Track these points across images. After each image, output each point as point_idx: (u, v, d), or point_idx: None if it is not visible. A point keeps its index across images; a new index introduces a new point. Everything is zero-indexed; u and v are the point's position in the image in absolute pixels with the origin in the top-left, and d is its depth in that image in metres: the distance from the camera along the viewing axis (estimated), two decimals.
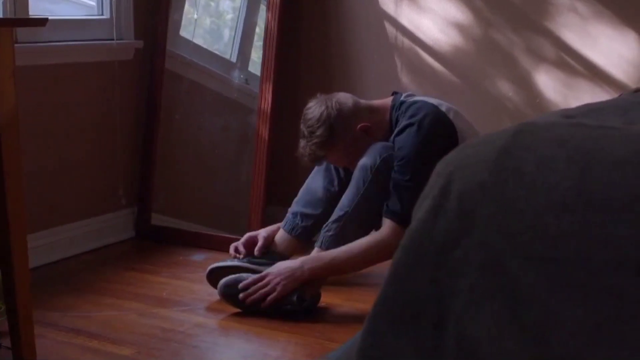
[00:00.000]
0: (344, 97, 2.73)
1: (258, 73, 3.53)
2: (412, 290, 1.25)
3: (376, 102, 2.77)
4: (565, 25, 2.91)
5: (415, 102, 2.67)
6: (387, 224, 2.57)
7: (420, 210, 1.30)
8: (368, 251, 2.57)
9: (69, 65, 3.12)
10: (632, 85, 2.79)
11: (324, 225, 2.66)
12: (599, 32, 2.86)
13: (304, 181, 2.95)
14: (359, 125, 2.68)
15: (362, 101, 2.75)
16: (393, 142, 2.65)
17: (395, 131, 2.63)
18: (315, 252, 2.64)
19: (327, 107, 2.68)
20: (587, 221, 1.16)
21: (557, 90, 2.95)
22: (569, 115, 1.59)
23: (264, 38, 3.25)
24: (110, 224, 3.34)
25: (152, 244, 3.36)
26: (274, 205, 3.31)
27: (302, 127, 2.72)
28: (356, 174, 2.64)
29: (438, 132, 2.60)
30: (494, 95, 3.05)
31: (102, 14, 3.28)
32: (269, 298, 2.53)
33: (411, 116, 2.60)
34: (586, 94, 2.89)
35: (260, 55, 3.52)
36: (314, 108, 2.71)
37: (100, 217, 3.31)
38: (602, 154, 1.20)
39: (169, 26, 3.44)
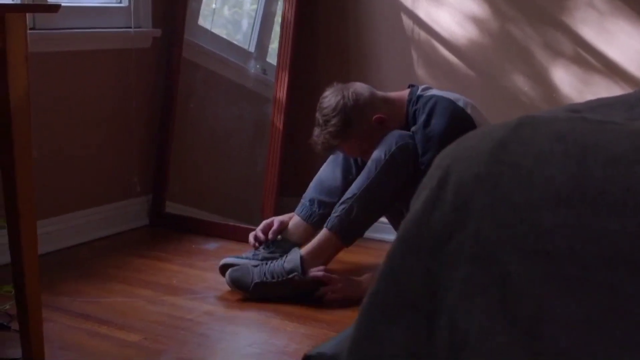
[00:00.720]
0: (361, 88, 2.72)
1: (275, 63, 3.54)
2: (406, 281, 1.25)
3: (392, 94, 2.76)
4: (582, 21, 2.88)
5: (432, 97, 2.66)
6: None
7: (418, 201, 1.30)
8: None
9: (86, 53, 3.14)
10: None
11: (334, 208, 2.66)
12: (617, 28, 2.83)
13: (317, 172, 2.94)
14: (374, 117, 2.67)
15: (379, 92, 2.74)
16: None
17: (415, 127, 2.62)
18: (327, 236, 2.63)
19: (343, 97, 2.68)
20: (582, 216, 1.16)
21: (573, 86, 2.92)
22: (575, 109, 1.58)
23: (280, 27, 3.25)
24: (124, 212, 3.36)
25: (166, 231, 3.37)
26: (286, 196, 3.31)
27: (318, 115, 2.72)
28: (370, 160, 2.64)
29: (457, 130, 2.55)
30: (510, 89, 3.03)
31: (120, 2, 3.30)
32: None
33: (430, 113, 2.59)
34: (602, 90, 2.86)
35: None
36: (330, 97, 2.70)
37: (115, 204, 3.33)
38: (599, 149, 1.19)
39: (187, 15, 3.44)
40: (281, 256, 2.74)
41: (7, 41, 1.99)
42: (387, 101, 2.73)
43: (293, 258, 2.59)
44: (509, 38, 3.01)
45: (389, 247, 1.28)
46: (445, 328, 1.21)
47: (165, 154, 3.43)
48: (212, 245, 3.21)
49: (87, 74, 3.15)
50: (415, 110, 2.68)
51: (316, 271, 2.59)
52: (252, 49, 3.67)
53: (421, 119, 2.62)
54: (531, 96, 3.00)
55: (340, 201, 2.64)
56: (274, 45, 3.61)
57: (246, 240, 3.10)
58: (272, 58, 3.58)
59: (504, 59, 3.03)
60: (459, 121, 2.61)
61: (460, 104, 2.65)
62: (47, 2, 2.90)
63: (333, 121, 2.67)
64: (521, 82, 3.01)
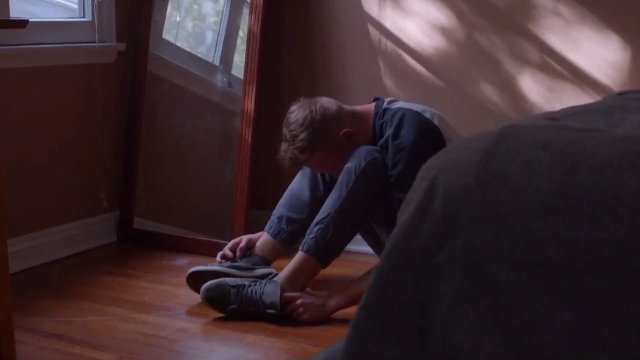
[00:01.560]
0: (328, 102, 2.71)
1: (241, 76, 3.52)
2: (396, 294, 1.24)
3: (359, 108, 2.75)
4: (549, 29, 2.90)
5: (398, 110, 2.65)
6: None
7: (404, 214, 1.29)
8: None
9: (50, 68, 3.09)
10: (615, 88, 2.79)
11: (308, 229, 2.64)
12: (583, 36, 2.86)
13: (287, 185, 2.93)
14: (342, 131, 2.67)
15: (346, 107, 2.74)
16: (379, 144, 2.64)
17: (383, 140, 2.61)
18: (303, 259, 2.62)
19: (310, 112, 2.67)
20: (571, 224, 1.16)
21: (541, 94, 2.94)
22: (553, 117, 1.59)
23: (247, 40, 3.24)
24: (92, 228, 3.31)
25: (134, 248, 3.33)
26: (257, 208, 3.29)
27: (285, 130, 2.70)
28: (341, 177, 2.62)
29: (427, 142, 2.58)
30: (478, 98, 3.04)
31: (84, 17, 3.26)
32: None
33: (397, 126, 2.59)
34: (570, 97, 2.89)
35: (243, 59, 3.51)
36: (297, 112, 2.69)
37: (82, 221, 3.28)
38: (585, 156, 1.20)
39: (151, 29, 3.41)
40: (251, 269, 2.73)
41: None
42: (354, 115, 2.72)
43: (273, 293, 2.55)
44: (476, 47, 3.03)
45: (369, 259, 1.27)
46: (436, 341, 1.20)
47: (132, 169, 3.39)
48: (182, 260, 3.17)
49: (51, 90, 3.10)
50: (382, 124, 2.67)
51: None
52: (216, 62, 3.65)
53: (389, 132, 2.62)
54: (499, 105, 3.02)
55: (315, 222, 2.61)
56: (239, 59, 3.60)
57: (216, 255, 3.09)
58: (236, 71, 3.56)
59: (471, 68, 3.05)
60: (427, 133, 2.61)
61: (427, 115, 2.65)
62: (9, 17, 2.86)
63: (301, 136, 2.65)
64: (489, 91, 3.03)
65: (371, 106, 2.73)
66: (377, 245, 2.85)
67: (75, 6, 3.28)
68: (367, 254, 3.00)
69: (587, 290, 1.15)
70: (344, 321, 2.57)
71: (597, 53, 2.85)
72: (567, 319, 1.15)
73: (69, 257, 3.18)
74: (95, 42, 3.23)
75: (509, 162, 1.24)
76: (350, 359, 1.23)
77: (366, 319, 1.24)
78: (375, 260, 2.89)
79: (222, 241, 3.20)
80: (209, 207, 3.43)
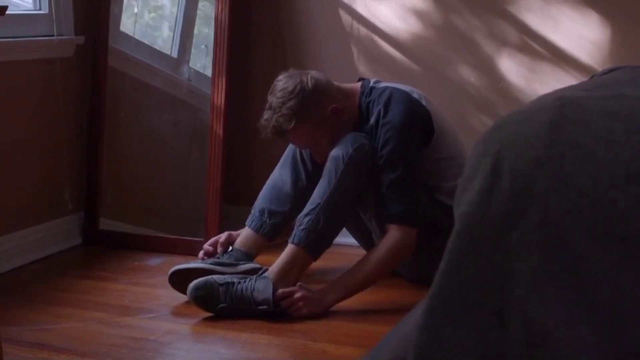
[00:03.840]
0: (318, 75, 2.61)
1: (199, 69, 3.41)
2: (469, 278, 1.16)
3: (346, 85, 2.66)
4: (527, 9, 2.86)
5: (386, 88, 2.58)
6: (393, 229, 2.50)
7: (469, 192, 1.20)
8: (384, 263, 2.52)
9: (5, 64, 2.92)
10: (596, 66, 2.77)
11: (297, 219, 2.54)
12: (562, 15, 2.83)
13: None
14: (330, 106, 2.57)
15: (334, 82, 2.65)
16: (366, 130, 2.56)
17: (372, 120, 2.54)
18: (294, 251, 2.51)
19: (301, 81, 2.56)
20: None
21: (521, 74, 2.90)
22: (585, 89, 1.53)
23: (214, 30, 3.11)
24: (56, 231, 3.15)
25: (102, 250, 3.18)
26: (229, 204, 3.18)
27: (271, 98, 2.58)
28: (328, 165, 2.53)
29: (416, 121, 2.53)
30: (456, 81, 2.99)
31: (40, 9, 3.09)
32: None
33: (386, 105, 2.51)
34: (550, 77, 2.86)
35: (200, 51, 3.40)
36: (287, 80, 2.58)
37: (45, 224, 3.11)
38: None
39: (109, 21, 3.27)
40: (234, 265, 2.63)
41: None
42: (342, 92, 2.63)
43: (265, 289, 2.44)
44: (452, 29, 2.97)
45: (449, 242, 1.18)
46: (517, 323, 1.12)
47: (95, 168, 3.24)
48: (155, 260, 3.04)
49: (7, 87, 2.92)
50: (369, 102, 2.59)
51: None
52: (174, 54, 3.52)
53: (377, 109, 2.54)
54: (478, 87, 2.97)
55: (304, 213, 2.52)
56: (195, 51, 3.48)
57: (191, 253, 2.99)
58: (193, 63, 3.45)
59: (448, 50, 2.99)
60: (416, 113, 2.55)
61: (414, 96, 2.60)
62: None
63: (289, 104, 2.53)
64: (467, 73, 2.97)
65: (357, 85, 2.66)
66: (362, 235, 2.77)
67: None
68: (351, 245, 2.92)
69: None
70: (340, 314, 2.49)
71: (576, 32, 2.82)
72: None
73: (34, 262, 3.02)
74: (53, 36, 3.07)
75: (581, 132, 1.16)
76: (424, 349, 1.14)
77: (440, 306, 1.15)
78: (360, 251, 2.83)
79: (196, 239, 3.09)
80: (179, 204, 3.31)
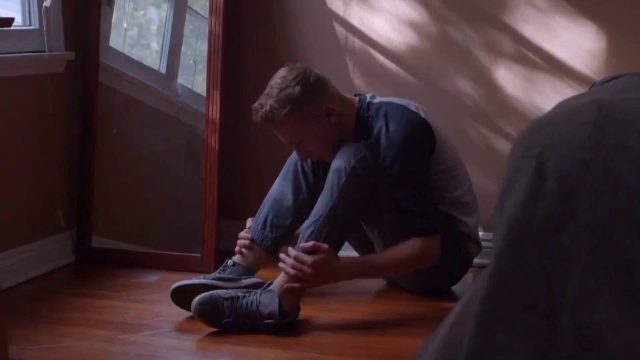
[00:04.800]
0: (322, 74, 2.61)
1: (187, 85, 3.38)
2: (519, 281, 1.14)
3: (347, 95, 2.66)
4: (523, 19, 2.88)
5: (383, 103, 2.58)
6: (415, 242, 2.51)
7: (513, 194, 1.20)
8: (401, 264, 2.54)
9: None
10: (593, 76, 2.78)
11: (300, 231, 2.52)
12: (558, 25, 2.85)
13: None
14: (326, 106, 2.55)
15: (337, 89, 2.64)
16: (366, 146, 2.54)
17: (373, 135, 2.52)
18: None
19: (305, 72, 2.54)
20: None
21: (517, 84, 2.91)
22: (609, 92, 1.53)
23: (208, 43, 3.09)
24: (49, 250, 3.10)
25: (95, 267, 3.12)
26: (224, 219, 3.13)
27: (270, 83, 2.55)
28: (330, 177, 2.51)
29: (419, 134, 2.53)
30: (452, 92, 2.99)
31: (30, 24, 3.05)
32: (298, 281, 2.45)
33: (385, 121, 2.51)
34: (547, 87, 2.87)
35: (188, 67, 3.37)
36: (290, 69, 2.56)
37: (37, 242, 3.05)
38: None
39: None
40: (237, 280, 2.61)
41: None
42: (341, 98, 2.62)
43: (271, 303, 2.41)
44: (448, 41, 2.98)
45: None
46: (568, 327, 1.11)
47: (88, 185, 3.19)
48: (152, 277, 3.00)
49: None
50: (367, 118, 2.58)
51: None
52: (163, 70, 3.50)
53: (377, 126, 2.53)
54: (474, 98, 2.97)
55: (307, 225, 2.50)
56: (181, 68, 3.45)
57: (187, 269, 3.00)
58: (182, 79, 3.43)
59: (444, 62, 2.99)
60: (418, 125, 2.55)
61: (412, 108, 2.60)
62: None
63: (287, 91, 2.50)
64: (463, 85, 2.98)
65: (355, 99, 2.64)
66: (363, 247, 2.75)
67: (18, 15, 3.07)
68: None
69: None
70: (347, 327, 2.48)
71: (573, 41, 2.83)
72: None
73: (26, 282, 2.95)
74: (44, 52, 3.02)
75: (625, 134, 1.16)
76: (476, 354, 1.13)
77: (490, 310, 1.14)
78: None
79: (191, 254, 3.06)
80: (172, 220, 3.26)
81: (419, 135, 2.54)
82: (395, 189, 2.49)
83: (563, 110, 1.30)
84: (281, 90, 2.51)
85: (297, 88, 2.50)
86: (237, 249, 2.70)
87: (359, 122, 2.60)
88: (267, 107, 2.51)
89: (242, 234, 2.72)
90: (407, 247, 2.50)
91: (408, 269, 2.58)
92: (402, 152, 2.48)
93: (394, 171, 2.48)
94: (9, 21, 1.87)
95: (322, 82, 2.57)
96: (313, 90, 2.53)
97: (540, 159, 1.20)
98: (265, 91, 2.55)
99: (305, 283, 2.44)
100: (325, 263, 2.44)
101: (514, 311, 1.14)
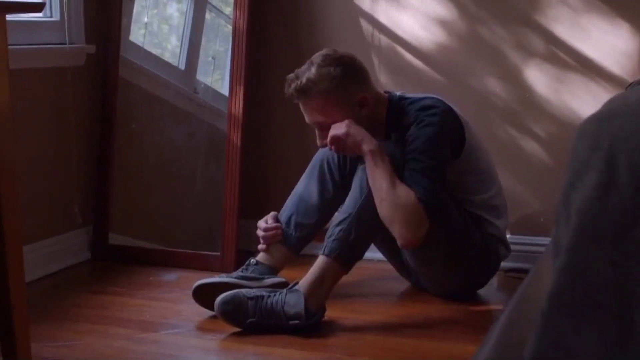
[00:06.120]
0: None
1: (205, 81, 3.33)
2: (590, 277, 1.08)
3: (379, 91, 2.60)
4: (555, 19, 2.81)
5: (415, 99, 2.52)
6: (410, 197, 2.34)
7: (581, 188, 1.13)
8: (385, 195, 2.36)
9: (18, 72, 2.80)
10: (626, 77, 2.72)
11: (328, 230, 2.46)
12: (591, 24, 2.78)
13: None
14: (361, 95, 2.48)
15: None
16: (399, 131, 2.48)
17: (404, 125, 2.46)
18: (326, 263, 2.41)
19: (350, 57, 2.51)
20: None
21: (548, 85, 2.85)
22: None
23: (232, 37, 3.03)
24: (65, 246, 3.04)
25: (112, 265, 3.07)
26: (245, 218, 3.07)
27: (312, 58, 2.49)
28: (359, 174, 2.45)
29: (448, 126, 2.47)
30: (481, 92, 2.93)
31: (52, 16, 2.99)
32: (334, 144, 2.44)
33: (417, 110, 2.45)
34: (578, 87, 2.81)
35: (207, 63, 3.32)
36: (335, 51, 2.51)
37: (54, 238, 2.99)
38: None
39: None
40: (260, 279, 2.54)
41: None
42: (377, 93, 2.56)
43: (297, 303, 2.34)
44: (477, 39, 2.92)
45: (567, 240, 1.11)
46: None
47: (106, 180, 3.13)
48: (171, 276, 2.94)
49: (17, 97, 2.80)
50: (397, 112, 2.52)
51: None
52: (182, 66, 3.44)
53: (410, 114, 2.47)
54: (503, 98, 2.91)
55: (335, 223, 2.43)
56: (200, 64, 3.40)
57: (207, 268, 2.93)
58: (200, 76, 3.37)
59: (472, 61, 2.93)
60: (449, 117, 2.49)
61: (446, 103, 2.54)
62: None
63: (329, 68, 2.44)
64: (492, 84, 2.91)
65: (386, 95, 2.58)
66: (389, 248, 2.69)
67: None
68: (371, 260, 2.84)
69: None
70: (375, 328, 2.42)
71: (606, 42, 2.77)
72: None
73: (43, 279, 2.89)
74: (65, 44, 2.97)
75: None
76: (544, 353, 1.07)
77: (559, 308, 1.08)
78: (381, 265, 2.77)
79: (211, 253, 3.00)
80: (192, 218, 3.20)
81: (448, 127, 2.47)
82: (410, 161, 2.40)
83: (631, 102, 1.24)
84: (321, 66, 2.45)
85: (339, 69, 2.45)
86: (263, 240, 2.62)
87: (389, 116, 2.54)
88: (303, 80, 2.45)
89: (268, 225, 2.63)
90: (402, 190, 2.35)
91: (385, 212, 2.36)
92: (427, 133, 2.41)
93: (413, 146, 2.41)
94: (39, 6, 1.82)
95: (364, 72, 2.52)
96: (353, 76, 2.48)
97: (609, 151, 1.14)
98: (304, 66, 2.49)
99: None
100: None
101: (584, 309, 1.08)
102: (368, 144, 2.40)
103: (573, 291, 1.08)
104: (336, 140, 2.44)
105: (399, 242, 2.39)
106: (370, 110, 2.50)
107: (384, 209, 2.37)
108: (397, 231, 2.37)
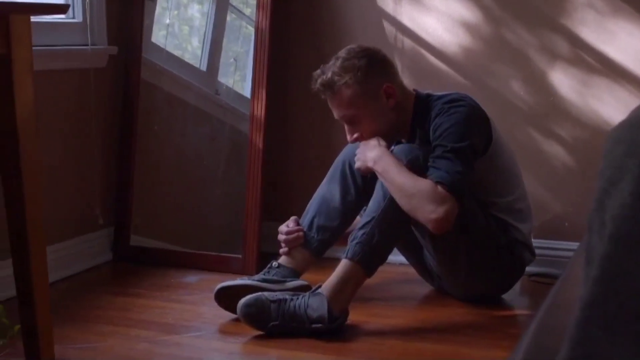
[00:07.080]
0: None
1: (226, 82, 3.32)
2: (627, 286, 1.06)
3: (406, 86, 2.59)
4: (581, 22, 2.79)
5: (441, 96, 2.51)
6: (432, 185, 2.31)
7: (616, 195, 1.11)
8: (407, 192, 2.33)
9: (40, 73, 2.81)
10: None
11: (351, 233, 2.45)
12: (617, 28, 2.76)
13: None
14: (387, 85, 2.48)
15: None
16: (426, 125, 2.47)
17: (436, 121, 2.43)
18: (349, 267, 2.40)
19: (374, 49, 2.53)
20: None
21: (573, 88, 2.83)
22: None
23: (254, 39, 3.03)
24: (86, 247, 3.04)
25: (133, 266, 3.07)
26: (269, 220, 3.06)
27: (338, 53, 2.51)
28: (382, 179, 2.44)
29: (478, 115, 2.46)
30: (504, 95, 2.91)
31: (74, 17, 2.99)
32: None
33: (448, 102, 2.44)
34: (604, 91, 2.78)
35: (228, 65, 3.31)
36: (360, 45, 2.54)
37: (75, 239, 3.00)
38: None
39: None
40: (282, 282, 2.53)
41: (12, 47, 1.72)
42: (403, 87, 2.56)
43: (320, 306, 2.32)
44: (502, 42, 2.90)
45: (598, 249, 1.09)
46: None
47: (127, 181, 3.14)
48: (192, 278, 2.93)
49: (40, 98, 2.80)
50: (423, 108, 2.50)
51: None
52: (203, 67, 3.44)
53: (436, 108, 2.44)
54: (527, 101, 2.89)
55: (359, 226, 2.42)
56: (222, 65, 3.39)
57: (229, 271, 2.92)
58: (222, 77, 3.37)
59: (496, 64, 2.91)
60: (478, 113, 2.47)
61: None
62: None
63: (354, 61, 2.46)
64: (517, 87, 2.89)
65: (413, 92, 2.57)
66: (412, 251, 2.69)
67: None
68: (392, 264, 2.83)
69: None
70: (397, 333, 2.40)
71: (632, 45, 2.74)
72: None
73: (64, 280, 2.90)
74: (87, 45, 2.97)
75: None
76: None
77: (594, 318, 1.06)
78: (404, 269, 2.76)
79: (233, 255, 2.99)
80: (214, 220, 3.19)
81: (476, 116, 2.45)
82: (435, 149, 2.37)
83: None
84: (346, 59, 2.47)
85: (363, 60, 2.46)
86: (284, 244, 2.60)
87: (416, 110, 2.53)
88: (329, 74, 2.46)
89: (289, 229, 2.61)
90: (423, 182, 2.32)
91: (407, 205, 2.33)
92: (453, 120, 2.39)
93: (437, 133, 2.38)
94: (64, 8, 1.82)
95: (389, 63, 2.54)
96: (378, 67, 2.48)
97: None
98: (333, 57, 2.51)
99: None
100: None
101: (620, 320, 1.06)
102: (372, 159, 2.43)
103: (607, 301, 1.06)
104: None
105: (429, 228, 2.35)
106: (396, 102, 2.49)
107: (404, 201, 2.35)
108: (420, 216, 2.33)
